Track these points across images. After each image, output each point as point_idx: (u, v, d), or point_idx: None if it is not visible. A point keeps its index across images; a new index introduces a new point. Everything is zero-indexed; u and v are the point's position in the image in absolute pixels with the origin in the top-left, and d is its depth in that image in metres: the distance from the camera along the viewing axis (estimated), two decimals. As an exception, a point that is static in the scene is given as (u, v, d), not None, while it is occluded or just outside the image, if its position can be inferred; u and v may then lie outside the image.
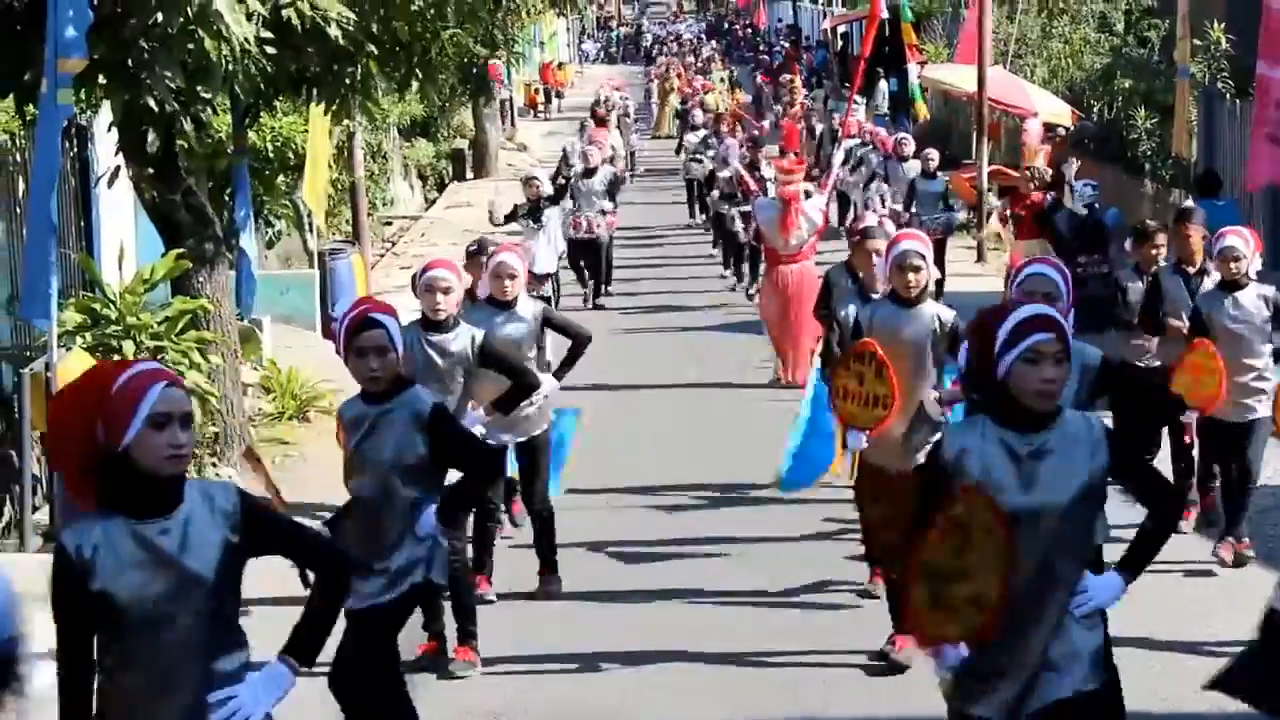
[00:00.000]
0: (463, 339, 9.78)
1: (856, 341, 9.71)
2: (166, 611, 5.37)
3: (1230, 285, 11.36)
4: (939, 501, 5.90)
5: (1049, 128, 26.08)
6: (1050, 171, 20.79)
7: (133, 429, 5.29)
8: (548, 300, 14.74)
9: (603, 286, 24.68)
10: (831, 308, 12.46)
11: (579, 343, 11.26)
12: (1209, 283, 11.75)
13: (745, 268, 24.60)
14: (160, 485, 5.38)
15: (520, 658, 10.18)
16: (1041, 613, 5.93)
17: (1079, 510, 5.94)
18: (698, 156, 30.76)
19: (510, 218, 21.23)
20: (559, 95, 62.45)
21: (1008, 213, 20.63)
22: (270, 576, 7.39)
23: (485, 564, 11.19)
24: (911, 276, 9.58)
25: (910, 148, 24.79)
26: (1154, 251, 12.54)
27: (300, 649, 5.68)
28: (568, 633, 10.64)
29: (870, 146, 27.61)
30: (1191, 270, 12.05)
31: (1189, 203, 12.96)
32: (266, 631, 6.13)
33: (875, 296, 10.48)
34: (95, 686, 5.45)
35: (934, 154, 23.85)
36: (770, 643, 10.36)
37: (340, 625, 6.54)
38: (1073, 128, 28.11)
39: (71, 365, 12.89)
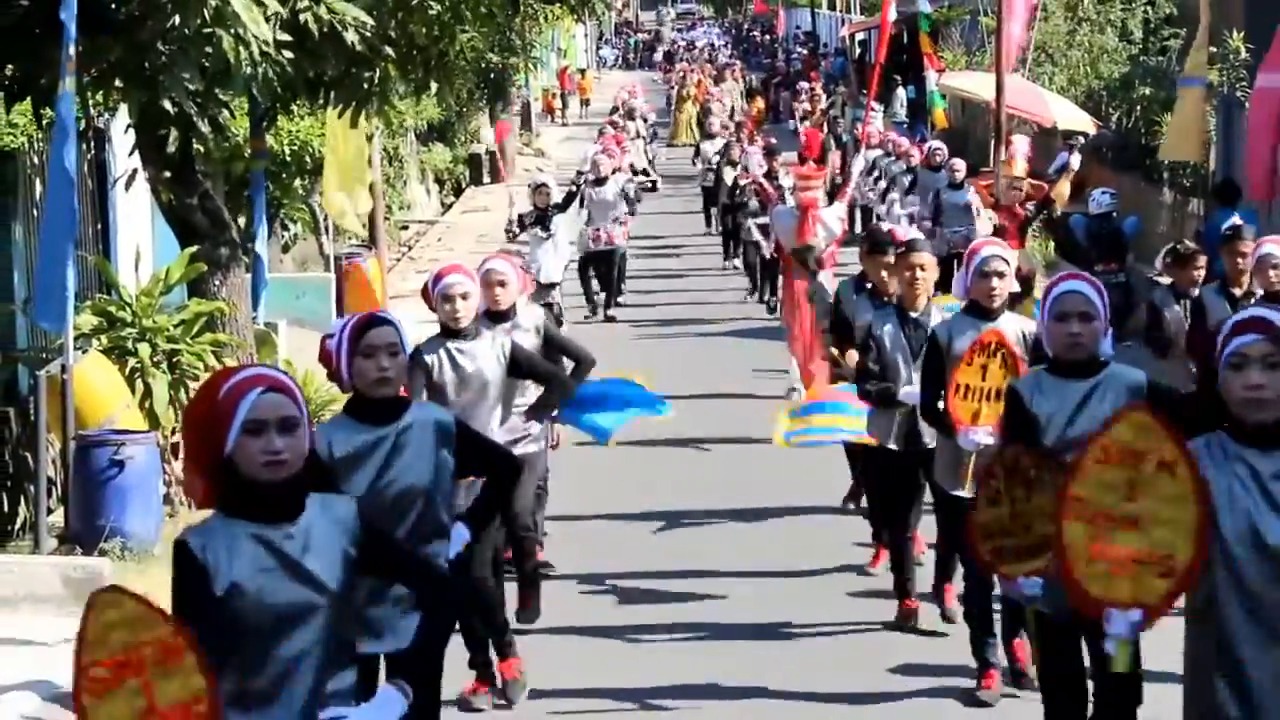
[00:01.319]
0: (491, 346, 9.37)
1: (983, 331, 9.00)
2: (287, 619, 5.28)
3: (1274, 297, 10.83)
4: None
5: (1068, 135, 26.01)
6: (1027, 183, 20.65)
7: (231, 437, 5.22)
8: (549, 307, 14.38)
9: (614, 298, 24.25)
10: (846, 321, 12.00)
11: (582, 366, 10.72)
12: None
13: (758, 279, 24.31)
14: (278, 492, 5.28)
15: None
16: None
17: None
18: (714, 166, 30.37)
19: (521, 227, 21.07)
20: (585, 103, 62.26)
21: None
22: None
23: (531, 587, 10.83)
24: (996, 283, 9.14)
25: (942, 157, 24.27)
26: (1195, 273, 11.99)
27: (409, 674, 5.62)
28: (578, 652, 10.58)
29: (891, 157, 27.25)
30: (1238, 292, 11.46)
31: (1235, 219, 12.42)
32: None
33: (915, 314, 10.26)
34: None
35: (960, 164, 23.58)
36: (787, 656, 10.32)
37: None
38: (1092, 135, 28.07)
39: (87, 368, 12.91)
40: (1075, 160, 21.54)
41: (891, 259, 11.05)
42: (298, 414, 5.28)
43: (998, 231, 19.98)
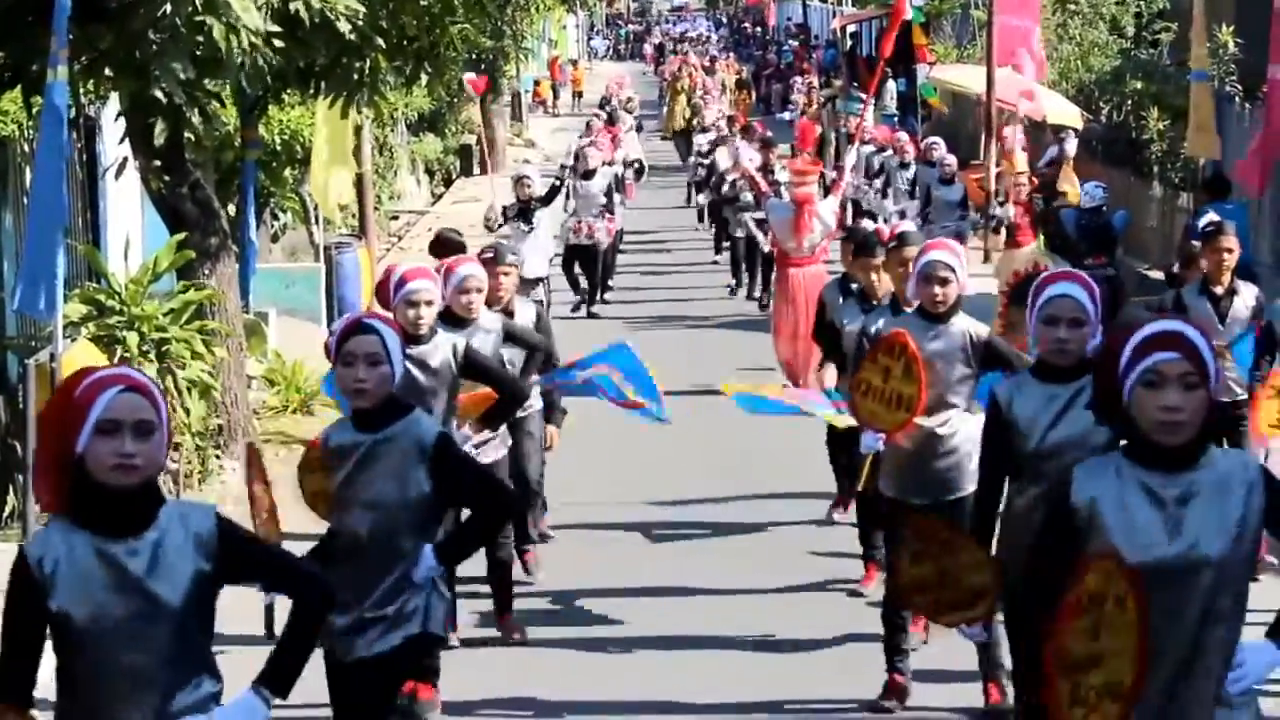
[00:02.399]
0: (444, 350, 9.06)
1: (887, 333, 8.88)
2: (126, 636, 5.01)
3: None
4: (1067, 564, 5.04)
5: (1057, 129, 26.04)
6: (1028, 176, 20.62)
7: (83, 436, 4.96)
8: (540, 304, 14.06)
9: (599, 294, 23.87)
10: (829, 326, 11.95)
11: (535, 356, 10.72)
12: (1239, 302, 11.17)
13: (746, 273, 24.20)
14: (127, 502, 5.02)
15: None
16: (1190, 689, 5.05)
17: (1233, 564, 5.04)
18: (705, 161, 29.87)
19: (504, 219, 20.68)
20: (578, 95, 62.03)
21: (1009, 221, 20.32)
22: (247, 611, 7.24)
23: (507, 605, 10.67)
24: (938, 290, 8.75)
25: (939, 152, 23.93)
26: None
27: (274, 679, 5.29)
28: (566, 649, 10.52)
29: (888, 152, 27.01)
30: (1219, 290, 11.21)
31: (1211, 215, 12.27)
32: (243, 669, 5.69)
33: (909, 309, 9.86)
34: (55, 706, 5.19)
35: (951, 159, 23.46)
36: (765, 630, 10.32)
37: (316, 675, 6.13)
38: (1081, 129, 28.08)
39: (76, 356, 12.89)
40: (1070, 147, 21.53)
41: (879, 259, 10.87)
42: (155, 419, 5.02)
43: (1010, 231, 20.01)
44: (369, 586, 6.87)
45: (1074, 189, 20.84)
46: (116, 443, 4.95)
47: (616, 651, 10.43)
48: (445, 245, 13.49)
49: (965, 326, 8.81)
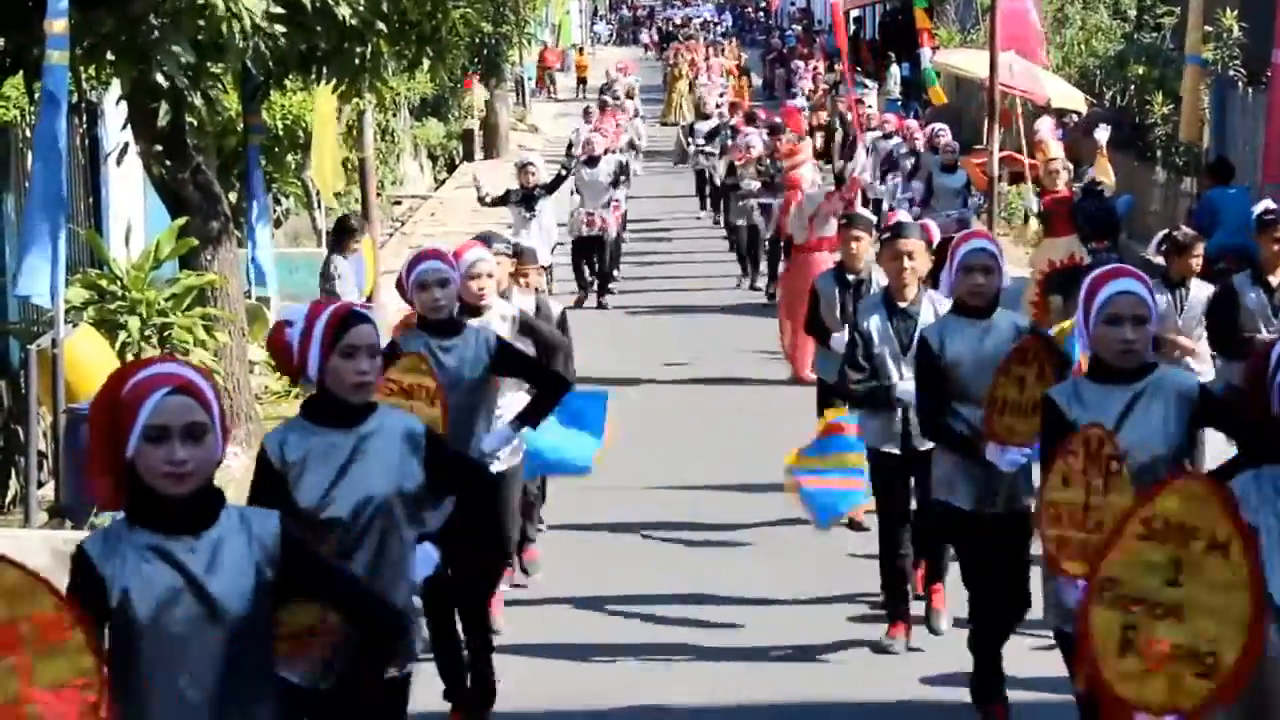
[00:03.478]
0: (477, 340, 8.59)
1: (1024, 338, 8.11)
2: (180, 641, 4.78)
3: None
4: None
5: (1060, 114, 25.98)
6: (1070, 165, 20.46)
7: (132, 442, 4.78)
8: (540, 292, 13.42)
9: (608, 284, 23.19)
10: (821, 320, 11.75)
11: (556, 358, 9.88)
12: None
13: (749, 263, 23.84)
14: (184, 503, 4.81)
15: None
16: None
17: None
18: (707, 149, 29.70)
19: (501, 202, 20.47)
20: (582, 81, 61.66)
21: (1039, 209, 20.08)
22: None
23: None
24: (981, 280, 8.27)
25: (945, 138, 23.35)
26: (1193, 262, 11.50)
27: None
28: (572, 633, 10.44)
29: (896, 140, 26.65)
30: (1275, 280, 11.03)
31: (1268, 203, 11.90)
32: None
33: (903, 304, 9.55)
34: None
35: (954, 146, 23.27)
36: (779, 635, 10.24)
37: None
38: (1085, 113, 28.03)
39: (78, 341, 12.90)
40: (1103, 136, 21.36)
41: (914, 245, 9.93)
42: (207, 420, 4.80)
43: (1044, 218, 19.86)
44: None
45: (1109, 179, 20.72)
46: (166, 449, 4.74)
47: (605, 657, 10.10)
48: (345, 231, 13.75)
49: (1010, 320, 8.49)
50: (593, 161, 22.55)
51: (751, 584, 11.26)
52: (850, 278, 11.62)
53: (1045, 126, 23.39)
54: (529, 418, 8.98)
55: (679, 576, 11.51)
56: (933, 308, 9.45)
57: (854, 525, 11.93)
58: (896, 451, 9.71)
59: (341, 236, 16.05)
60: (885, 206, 23.54)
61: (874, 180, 26.06)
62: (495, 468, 9.20)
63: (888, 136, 27.41)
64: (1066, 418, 6.58)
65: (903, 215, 12.46)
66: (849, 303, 11.34)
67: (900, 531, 9.75)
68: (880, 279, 10.85)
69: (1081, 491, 6.00)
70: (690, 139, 32.15)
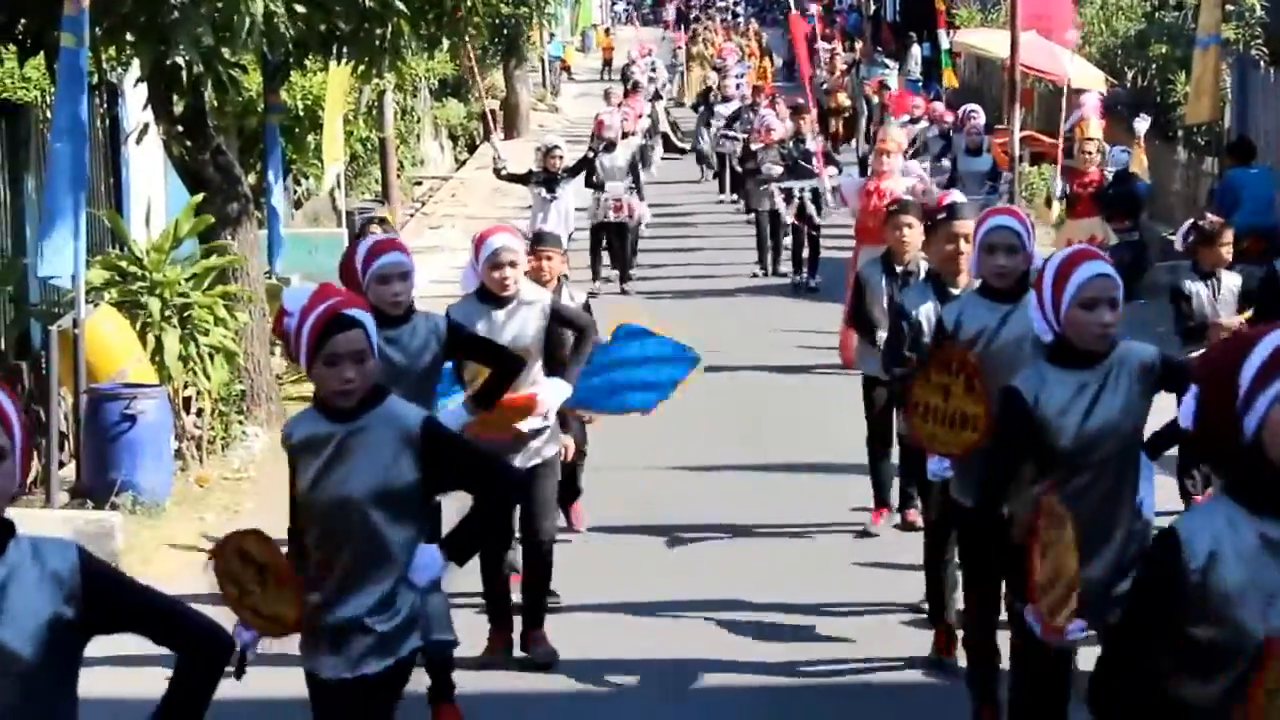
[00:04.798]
0: (425, 327, 8.19)
1: (940, 349, 7.88)
2: None
3: None
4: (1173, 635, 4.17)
5: (1078, 93, 25.88)
6: (1106, 147, 20.25)
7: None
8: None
9: (629, 270, 22.63)
10: (867, 312, 11.22)
11: (584, 338, 9.49)
12: None
13: (771, 252, 23.32)
14: None
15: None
16: None
17: None
18: (728, 133, 29.21)
19: (519, 179, 20.26)
20: (608, 64, 60.96)
21: (1063, 192, 19.81)
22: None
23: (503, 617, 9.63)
24: (1004, 261, 7.67)
25: (977, 120, 22.81)
26: (1222, 250, 11.11)
27: None
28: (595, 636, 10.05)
29: (926, 123, 26.13)
30: None
31: None
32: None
33: (955, 290, 8.89)
34: None
35: (980, 127, 22.49)
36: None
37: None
38: (1105, 94, 27.95)
39: (99, 322, 12.93)
40: (1141, 127, 21.22)
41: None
42: (6, 444, 4.12)
43: (1069, 199, 19.70)
44: (353, 591, 6.05)
45: (1144, 173, 20.63)
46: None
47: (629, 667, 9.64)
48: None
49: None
50: (609, 147, 22.11)
51: (786, 586, 10.75)
52: (898, 268, 11.04)
53: (1090, 103, 23.21)
54: (484, 399, 8.51)
55: (712, 578, 11.02)
56: None
57: (906, 526, 11.64)
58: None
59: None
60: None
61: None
62: (530, 462, 9.18)
63: (914, 120, 27.18)
64: (1034, 411, 6.35)
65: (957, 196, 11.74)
66: (896, 294, 10.53)
67: (946, 539, 9.23)
68: (925, 267, 10.39)
69: (1053, 555, 5.99)
70: (710, 123, 31.74)
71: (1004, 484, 6.60)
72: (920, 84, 39.10)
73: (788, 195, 21.63)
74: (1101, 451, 6.42)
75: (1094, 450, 6.41)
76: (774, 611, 10.33)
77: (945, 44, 33.97)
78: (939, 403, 7.63)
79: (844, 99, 35.40)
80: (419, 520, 6.12)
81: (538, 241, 10.38)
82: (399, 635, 6.04)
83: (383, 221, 11.46)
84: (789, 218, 21.92)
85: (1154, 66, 27.85)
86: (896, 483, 11.84)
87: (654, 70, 38.44)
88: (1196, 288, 11.08)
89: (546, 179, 19.90)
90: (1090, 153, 18.99)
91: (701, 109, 33.95)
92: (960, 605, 8.88)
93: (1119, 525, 6.51)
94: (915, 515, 11.33)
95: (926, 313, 8.90)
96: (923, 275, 10.16)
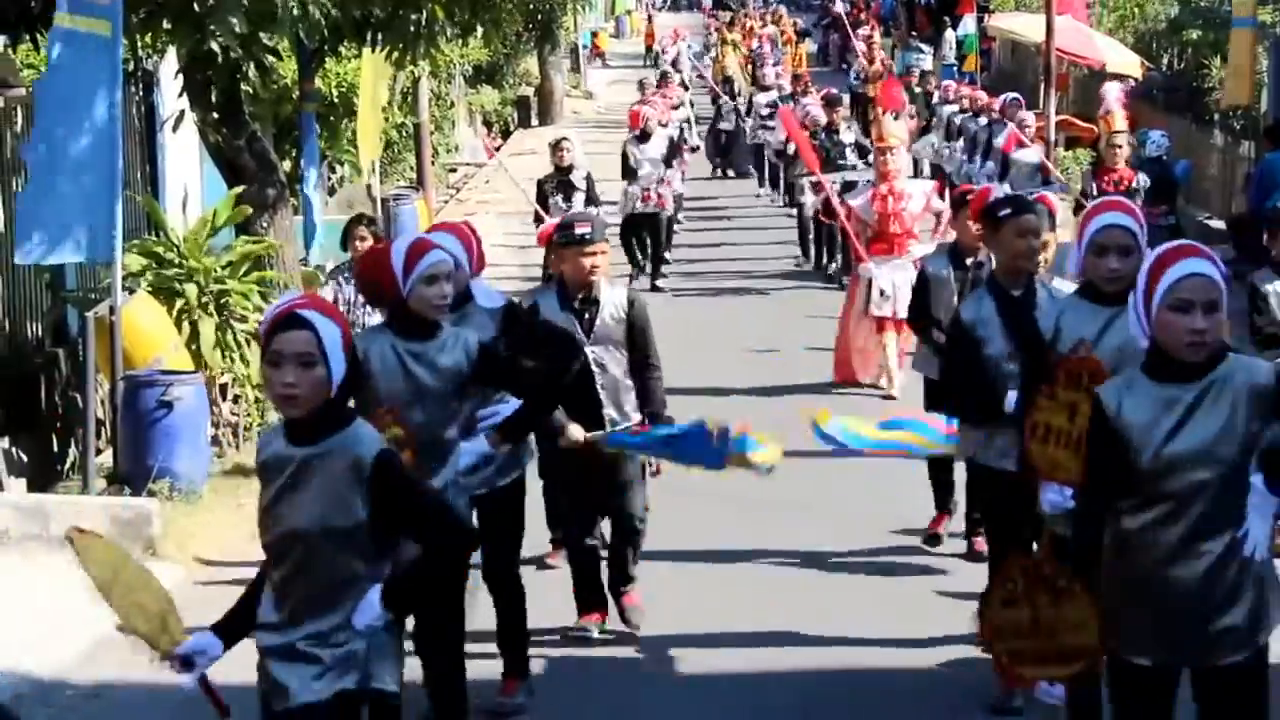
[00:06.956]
0: (454, 344, 7.44)
1: (1066, 359, 6.72)
2: None
3: None
4: None
5: (1114, 77, 25.81)
6: (1134, 140, 20.07)
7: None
8: None
9: (661, 266, 21.95)
10: (930, 309, 10.62)
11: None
12: None
13: (808, 243, 22.76)
14: None
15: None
16: None
17: None
18: (767, 123, 28.54)
19: (543, 199, 18.43)
20: (649, 50, 60.13)
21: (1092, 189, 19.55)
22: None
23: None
24: (1117, 264, 6.77)
25: (1022, 114, 22.11)
26: None
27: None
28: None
29: (969, 113, 25.19)
30: None
31: None
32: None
33: (1017, 293, 8.15)
34: None
35: (1029, 117, 21.97)
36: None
37: None
38: (1141, 79, 27.87)
39: (135, 309, 12.96)
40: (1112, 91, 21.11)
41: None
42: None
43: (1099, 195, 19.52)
44: (304, 618, 5.59)
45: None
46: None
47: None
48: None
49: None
50: (644, 137, 21.72)
51: (852, 614, 9.93)
52: (969, 260, 10.54)
53: (1112, 94, 23.05)
54: (512, 433, 7.87)
55: (769, 602, 10.24)
56: (1047, 295, 8.18)
57: (931, 539, 11.05)
58: (1011, 469, 7.87)
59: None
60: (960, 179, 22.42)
61: (951, 152, 25.24)
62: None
63: (947, 103, 26.88)
64: (1113, 420, 5.64)
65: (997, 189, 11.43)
66: (966, 288, 10.11)
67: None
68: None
69: (1027, 610, 5.73)
70: (750, 113, 31.19)
71: (1098, 514, 5.79)
72: (955, 69, 38.99)
73: (817, 187, 21.04)
74: (1187, 479, 5.58)
75: (1177, 476, 5.59)
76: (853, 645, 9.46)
77: (971, 29, 33.89)
78: (1063, 424, 6.43)
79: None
80: (373, 559, 5.58)
81: (582, 241, 9.10)
82: (337, 669, 5.56)
83: (370, 221, 11.42)
84: (810, 209, 21.46)
85: (1189, 51, 27.76)
86: (961, 505, 10.91)
87: (691, 53, 37.89)
88: (1275, 286, 9.59)
89: (560, 183, 18.48)
90: (1119, 146, 18.51)
91: (724, 100, 33.81)
92: None
93: (1212, 571, 5.62)
94: (983, 543, 9.98)
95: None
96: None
